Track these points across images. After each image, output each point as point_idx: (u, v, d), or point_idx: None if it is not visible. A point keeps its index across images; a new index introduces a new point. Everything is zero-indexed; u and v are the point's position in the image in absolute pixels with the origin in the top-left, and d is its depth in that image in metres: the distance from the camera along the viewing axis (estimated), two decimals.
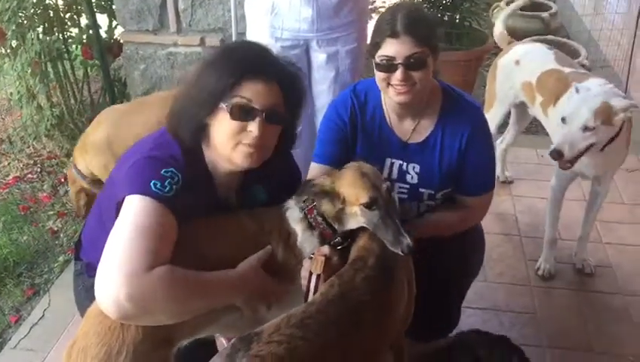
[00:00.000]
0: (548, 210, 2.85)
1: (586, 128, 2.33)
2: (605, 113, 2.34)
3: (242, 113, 1.62)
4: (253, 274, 1.66)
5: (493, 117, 3.22)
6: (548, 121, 2.89)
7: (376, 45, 1.92)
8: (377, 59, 1.92)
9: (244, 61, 1.65)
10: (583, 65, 4.12)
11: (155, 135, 1.72)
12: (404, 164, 2.08)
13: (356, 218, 1.72)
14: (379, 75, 1.95)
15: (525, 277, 2.88)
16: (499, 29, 3.38)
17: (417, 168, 2.07)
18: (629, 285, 2.82)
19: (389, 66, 1.90)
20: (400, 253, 1.67)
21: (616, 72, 4.47)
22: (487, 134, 2.10)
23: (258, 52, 1.72)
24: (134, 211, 1.52)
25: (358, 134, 2.10)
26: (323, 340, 1.51)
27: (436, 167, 2.05)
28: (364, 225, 1.72)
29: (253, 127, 1.62)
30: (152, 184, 1.53)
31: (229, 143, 1.64)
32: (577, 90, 2.43)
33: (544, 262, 2.88)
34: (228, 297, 1.64)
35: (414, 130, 2.05)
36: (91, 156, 2.89)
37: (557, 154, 2.36)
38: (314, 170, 2.05)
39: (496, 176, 3.46)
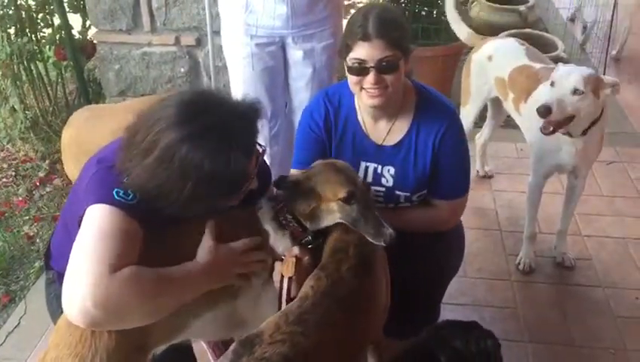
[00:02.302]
0: (527, 206, 2.85)
1: (575, 91, 2.34)
2: (595, 83, 2.37)
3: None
4: (214, 252, 1.63)
5: (469, 112, 3.22)
6: (520, 118, 2.89)
7: (347, 47, 1.91)
8: (349, 62, 1.92)
9: (249, 141, 1.61)
10: (560, 59, 4.14)
11: (113, 145, 1.67)
12: (379, 166, 2.07)
13: (333, 214, 1.71)
14: (351, 79, 1.94)
15: (505, 271, 2.88)
16: (464, 31, 3.37)
17: (392, 171, 2.06)
18: (609, 277, 2.83)
19: (360, 69, 1.89)
20: (383, 244, 1.68)
21: (593, 64, 4.49)
22: (461, 136, 2.08)
23: (246, 119, 1.61)
24: (97, 220, 1.49)
25: (332, 139, 2.09)
26: (322, 333, 1.52)
27: (411, 168, 2.04)
28: (341, 221, 1.71)
29: (253, 184, 1.68)
30: (114, 192, 1.51)
31: (233, 203, 1.67)
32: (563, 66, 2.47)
33: (524, 257, 2.88)
34: (200, 285, 1.60)
35: (389, 132, 2.04)
36: (63, 159, 2.92)
37: (545, 110, 2.33)
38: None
39: (475, 171, 3.50)
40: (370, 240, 1.70)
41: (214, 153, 1.49)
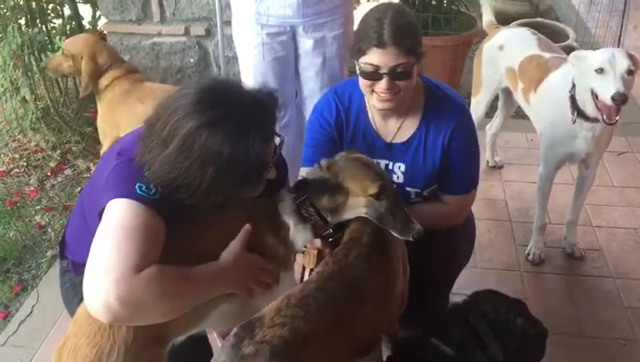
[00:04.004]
0: (537, 197, 2.84)
1: (630, 71, 2.31)
2: (635, 59, 2.35)
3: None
4: (239, 259, 1.63)
5: (479, 102, 3.21)
6: (530, 108, 2.87)
7: (360, 50, 1.89)
8: (362, 65, 1.90)
9: (268, 128, 1.62)
10: (572, 48, 4.10)
11: (133, 136, 1.68)
12: (390, 163, 2.07)
13: (357, 209, 1.71)
14: (363, 82, 1.93)
15: (515, 262, 2.88)
16: (487, 18, 3.34)
17: (403, 167, 2.06)
18: (619, 268, 2.82)
19: (373, 74, 1.88)
20: (411, 239, 1.68)
21: None
22: (471, 132, 2.08)
23: (264, 107, 1.63)
24: (120, 215, 1.49)
25: (344, 137, 2.09)
26: (325, 317, 1.51)
27: (421, 165, 2.04)
28: (365, 216, 1.71)
29: (272, 174, 1.69)
30: (137, 187, 1.51)
31: (252, 194, 1.68)
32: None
33: (534, 248, 2.87)
34: (219, 288, 1.62)
35: (399, 130, 2.04)
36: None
37: (622, 97, 2.27)
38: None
39: (485, 162, 3.49)
40: (397, 235, 1.69)
41: (234, 139, 1.49)
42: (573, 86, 2.48)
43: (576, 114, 2.48)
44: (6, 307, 2.78)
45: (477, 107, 3.20)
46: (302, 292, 1.54)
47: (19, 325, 2.65)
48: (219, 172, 1.49)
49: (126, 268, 1.41)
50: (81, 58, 3.11)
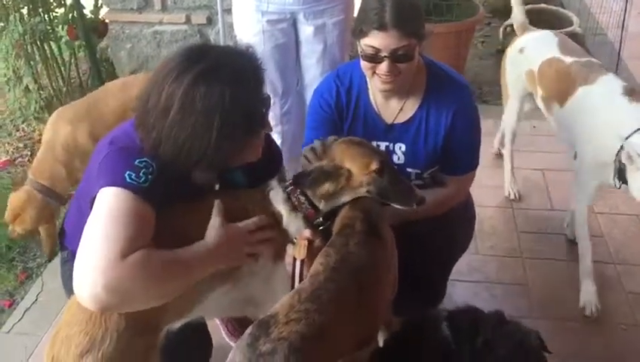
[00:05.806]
0: (578, 234, 2.64)
1: None
2: None
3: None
4: (222, 233, 1.62)
5: (510, 109, 3.09)
6: (553, 120, 2.75)
7: (362, 32, 1.89)
8: (363, 47, 1.90)
9: (258, 68, 1.64)
10: (575, 34, 4.07)
11: (126, 125, 1.68)
12: (391, 144, 2.07)
13: (360, 188, 1.71)
14: (364, 64, 1.93)
15: (517, 248, 2.88)
16: (520, 19, 3.16)
17: (403, 148, 2.06)
18: (620, 254, 2.82)
19: (374, 57, 1.88)
20: (415, 206, 1.71)
21: (609, 40, 4.43)
22: (473, 113, 2.07)
23: (247, 55, 1.66)
24: (108, 203, 1.49)
25: (344, 119, 2.09)
26: (336, 309, 1.51)
27: (422, 145, 2.04)
28: (366, 195, 1.72)
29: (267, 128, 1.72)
30: (126, 175, 1.50)
31: (254, 154, 1.69)
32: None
33: (586, 298, 2.52)
34: (210, 265, 1.60)
35: (400, 110, 2.04)
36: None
37: None
38: None
39: (494, 148, 3.47)
40: (399, 206, 1.72)
41: (231, 85, 1.52)
42: (621, 161, 2.27)
43: (620, 182, 2.33)
44: (11, 295, 2.81)
45: (508, 115, 3.10)
46: (312, 286, 1.54)
47: (24, 313, 2.67)
48: (225, 121, 1.51)
49: (112, 256, 1.40)
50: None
